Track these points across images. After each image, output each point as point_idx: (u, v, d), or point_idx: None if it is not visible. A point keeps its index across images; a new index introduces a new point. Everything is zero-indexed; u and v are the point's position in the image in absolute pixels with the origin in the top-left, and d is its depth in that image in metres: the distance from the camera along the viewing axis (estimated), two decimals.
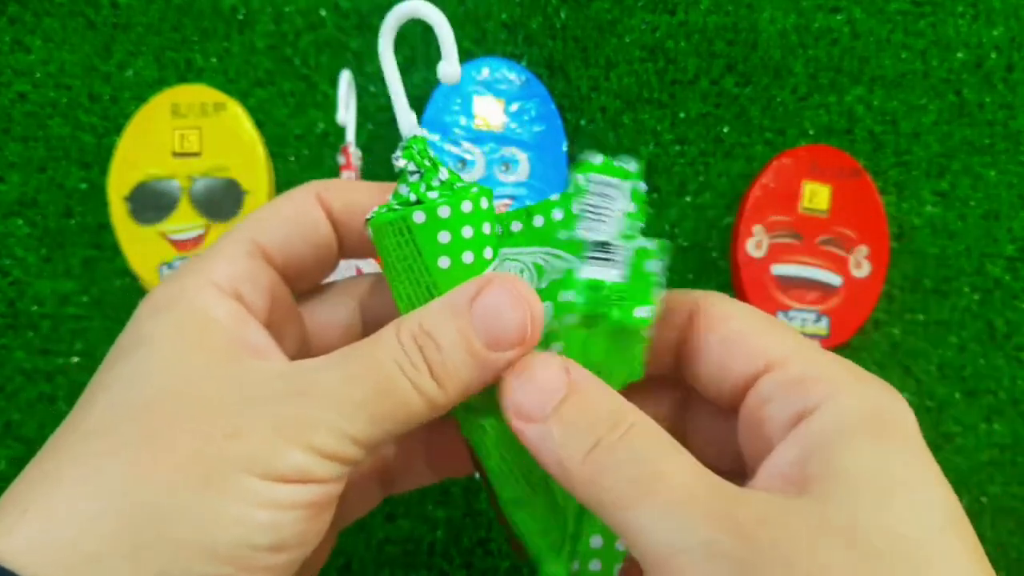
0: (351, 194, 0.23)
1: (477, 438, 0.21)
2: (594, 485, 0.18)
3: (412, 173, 0.21)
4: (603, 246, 0.21)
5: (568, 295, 0.20)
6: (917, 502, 0.17)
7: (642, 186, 0.22)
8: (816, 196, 0.43)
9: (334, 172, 0.44)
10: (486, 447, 0.21)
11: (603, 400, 0.19)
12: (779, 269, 0.42)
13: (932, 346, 0.43)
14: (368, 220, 0.21)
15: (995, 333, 0.43)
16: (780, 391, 0.19)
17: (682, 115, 0.45)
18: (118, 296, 0.44)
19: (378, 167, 0.45)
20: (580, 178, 0.21)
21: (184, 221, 0.42)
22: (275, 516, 0.18)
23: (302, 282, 0.24)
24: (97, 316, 0.44)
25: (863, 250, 0.43)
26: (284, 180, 0.45)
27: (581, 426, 0.19)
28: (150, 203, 0.43)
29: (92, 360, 0.43)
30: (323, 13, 0.46)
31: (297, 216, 0.23)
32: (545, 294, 0.20)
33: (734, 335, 0.20)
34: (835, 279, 0.42)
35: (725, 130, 0.45)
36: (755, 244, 0.43)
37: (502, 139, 0.43)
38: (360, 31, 0.46)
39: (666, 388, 0.24)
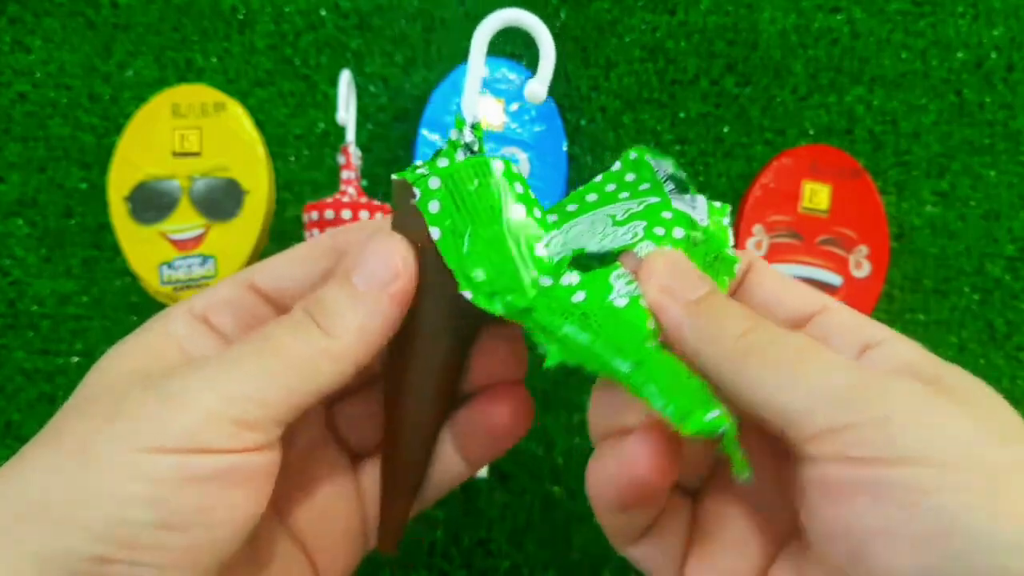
0: (360, 235, 0.23)
1: (573, 329, 0.20)
2: (745, 359, 0.19)
3: (467, 147, 0.22)
4: (685, 190, 0.22)
5: (669, 214, 0.21)
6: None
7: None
8: (816, 196, 0.43)
9: (334, 172, 0.44)
10: (588, 332, 0.20)
11: (737, 304, 0.20)
12: (779, 269, 0.42)
13: (932, 346, 0.43)
14: (417, 175, 0.21)
15: (995, 333, 0.43)
16: (839, 328, 0.20)
17: (682, 115, 0.45)
18: (118, 296, 0.44)
19: (378, 167, 0.45)
20: (633, 154, 0.23)
21: (184, 221, 0.42)
22: (155, 490, 0.17)
23: None
24: (97, 316, 0.44)
25: (863, 250, 0.43)
26: (284, 180, 0.45)
27: (730, 313, 0.20)
28: (150, 203, 0.43)
29: (92, 360, 0.43)
30: (323, 13, 0.46)
31: (299, 255, 0.23)
32: (638, 216, 0.22)
33: (791, 281, 0.22)
34: (835, 279, 0.42)
35: (725, 130, 0.45)
36: (755, 244, 0.43)
37: (502, 139, 0.43)
38: (360, 31, 0.46)
39: None
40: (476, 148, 0.22)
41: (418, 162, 0.22)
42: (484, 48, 0.23)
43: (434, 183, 0.21)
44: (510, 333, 0.23)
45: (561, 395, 0.43)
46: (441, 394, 0.23)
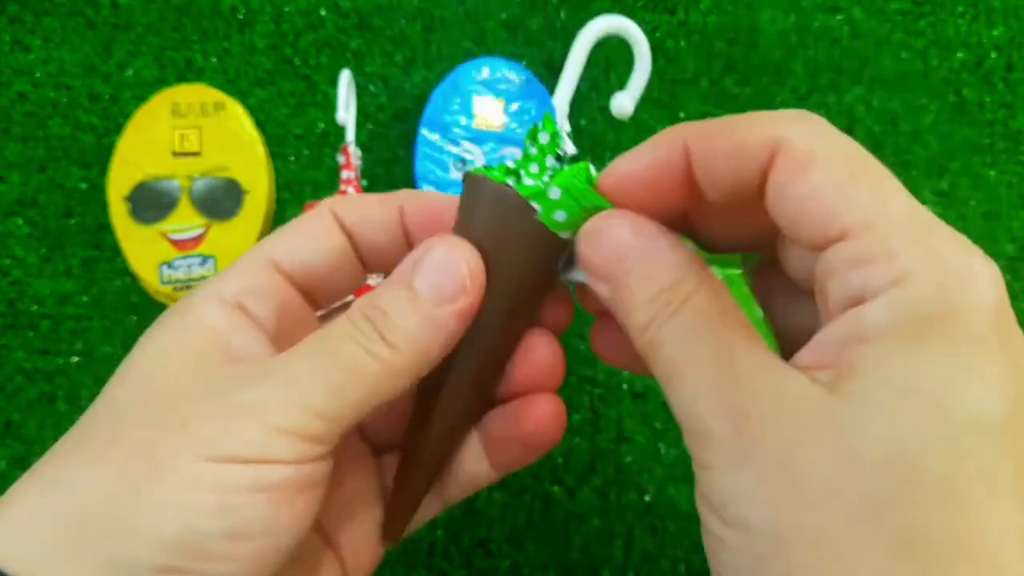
0: (362, 208, 0.23)
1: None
2: (647, 356, 0.19)
3: (558, 156, 0.23)
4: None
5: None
6: (937, 419, 0.15)
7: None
8: None
9: (334, 172, 0.44)
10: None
11: (665, 268, 0.19)
12: None
13: None
14: (532, 189, 0.21)
15: None
16: (843, 267, 0.17)
17: (682, 115, 0.45)
18: (118, 296, 0.44)
19: (378, 167, 0.45)
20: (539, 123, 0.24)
21: (184, 221, 0.42)
22: (226, 500, 0.17)
23: (326, 295, 0.24)
24: (97, 316, 0.44)
25: None
26: (284, 180, 0.45)
27: (641, 299, 0.19)
28: (150, 203, 0.43)
29: (92, 360, 0.43)
30: (323, 13, 0.46)
31: (311, 231, 0.23)
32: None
33: (811, 191, 0.17)
34: None
35: None
36: None
37: (502, 139, 0.43)
38: (360, 31, 0.46)
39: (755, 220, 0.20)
40: (566, 154, 0.23)
41: (507, 162, 0.22)
42: (585, 55, 0.23)
43: (554, 193, 0.21)
44: (552, 341, 0.24)
45: (561, 395, 0.43)
46: (477, 396, 0.23)
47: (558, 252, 0.22)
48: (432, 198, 0.23)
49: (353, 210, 0.23)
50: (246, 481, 0.18)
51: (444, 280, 0.20)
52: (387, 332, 0.20)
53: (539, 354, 0.23)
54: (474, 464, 0.25)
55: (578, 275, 0.22)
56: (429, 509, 0.26)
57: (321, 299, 0.24)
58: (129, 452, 0.18)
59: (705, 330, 0.18)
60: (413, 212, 0.23)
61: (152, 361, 0.20)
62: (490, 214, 0.21)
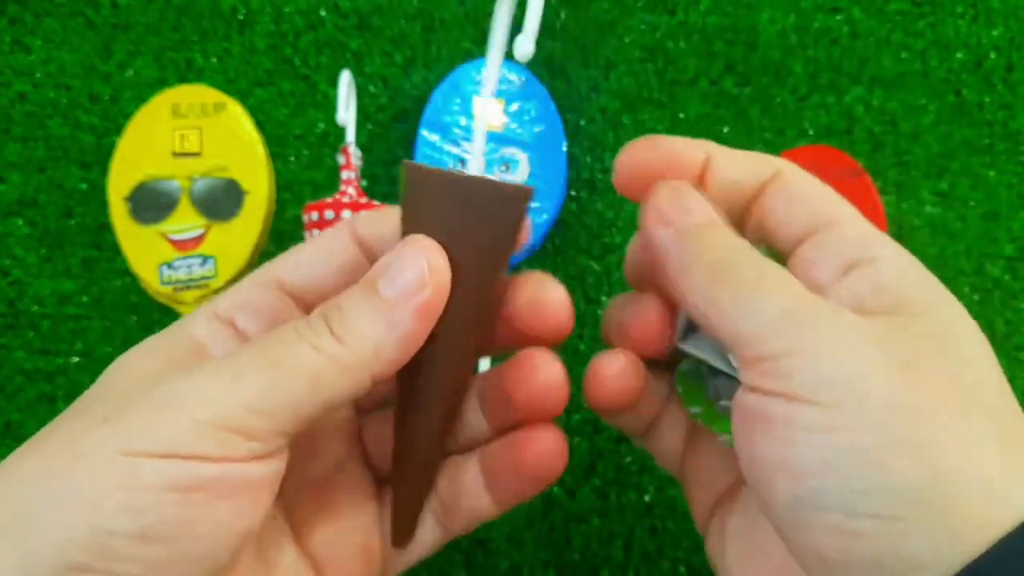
0: (382, 224, 0.22)
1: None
2: (712, 289, 0.19)
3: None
4: None
5: None
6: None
7: None
8: None
9: (334, 172, 0.44)
10: None
11: (723, 232, 0.21)
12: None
13: None
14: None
15: (995, 333, 0.43)
16: (837, 245, 0.20)
17: (682, 115, 0.45)
18: (118, 296, 0.44)
19: (378, 167, 0.45)
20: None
21: (184, 221, 0.42)
22: (138, 498, 0.16)
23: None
24: (97, 316, 0.44)
25: None
26: (284, 180, 0.45)
27: (710, 244, 0.20)
28: (150, 203, 0.43)
29: (92, 360, 0.43)
30: (323, 13, 0.46)
31: (324, 247, 0.22)
32: None
33: (805, 193, 0.22)
34: None
35: (725, 130, 0.45)
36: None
37: (502, 139, 0.43)
38: (360, 31, 0.46)
39: None
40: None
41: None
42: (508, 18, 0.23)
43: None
44: (553, 360, 0.23)
45: None
46: (448, 411, 0.23)
47: (519, 214, 0.21)
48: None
49: (371, 225, 0.22)
50: (159, 478, 0.16)
51: (402, 276, 0.19)
52: (336, 327, 0.19)
53: (540, 375, 0.22)
54: (475, 499, 0.24)
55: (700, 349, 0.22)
56: (435, 538, 0.25)
57: None
58: (55, 445, 0.17)
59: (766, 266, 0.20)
60: None
61: (124, 365, 0.20)
62: (441, 201, 0.20)
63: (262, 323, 0.21)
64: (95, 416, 0.18)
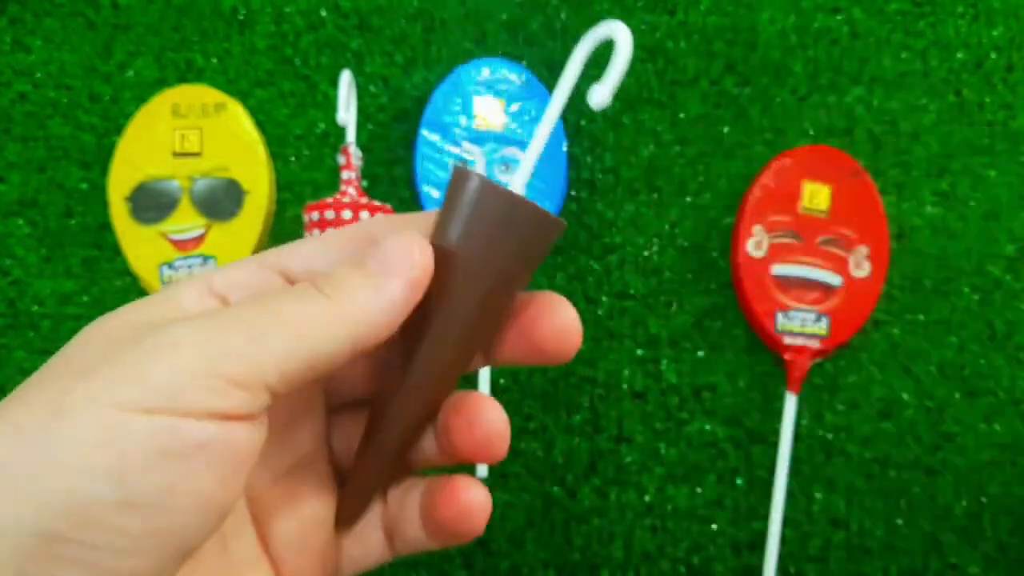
0: (399, 227, 0.22)
1: None
2: None
3: None
4: None
5: None
6: None
7: None
8: (816, 196, 0.43)
9: (334, 172, 0.44)
10: None
11: None
12: (779, 269, 0.42)
13: (932, 346, 0.43)
14: None
15: (995, 333, 0.43)
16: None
17: (682, 115, 0.45)
18: (118, 296, 0.44)
19: (378, 167, 0.45)
20: None
21: (184, 221, 0.42)
22: (122, 462, 0.15)
23: None
24: (97, 316, 0.44)
25: (863, 250, 0.43)
26: (284, 180, 0.45)
27: None
28: (150, 203, 0.43)
29: None
30: (323, 13, 0.46)
31: (334, 242, 0.22)
32: None
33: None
34: (835, 279, 0.42)
35: (725, 130, 0.45)
36: (755, 244, 0.43)
37: (502, 139, 0.43)
38: (360, 31, 0.46)
39: None
40: None
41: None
42: (577, 70, 0.23)
43: None
44: (499, 409, 0.22)
45: (561, 395, 0.43)
46: (428, 405, 0.23)
47: (549, 243, 0.21)
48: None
49: (390, 229, 0.22)
50: (148, 439, 0.15)
51: (394, 254, 0.20)
52: (327, 288, 0.19)
53: (484, 422, 0.22)
54: (414, 530, 0.24)
55: None
56: (381, 553, 0.25)
57: None
58: (34, 403, 0.16)
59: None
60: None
61: (102, 322, 0.19)
62: (481, 210, 0.21)
63: None
64: (76, 371, 0.16)
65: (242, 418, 0.17)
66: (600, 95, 0.23)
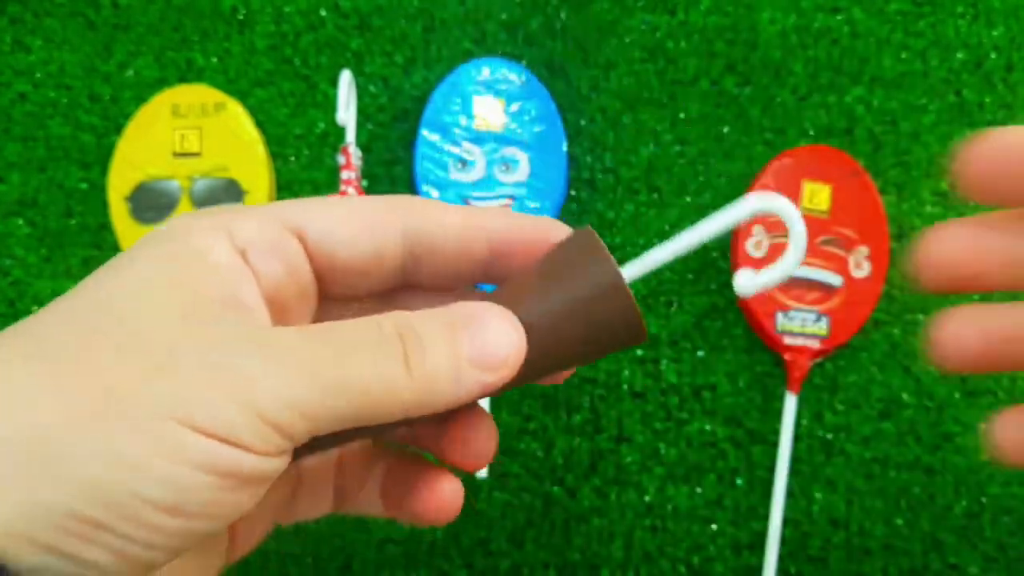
0: (437, 215, 0.21)
1: None
2: None
3: None
4: None
5: None
6: None
7: None
8: (816, 196, 0.43)
9: (334, 172, 0.44)
10: None
11: None
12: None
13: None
14: None
15: None
16: None
17: (682, 115, 0.45)
18: None
19: (378, 167, 0.45)
20: None
21: None
22: (180, 473, 0.16)
23: (343, 286, 0.22)
24: None
25: (863, 250, 0.43)
26: (284, 180, 0.45)
27: None
28: (150, 203, 0.43)
29: None
30: (323, 13, 0.46)
31: (368, 227, 0.21)
32: None
33: None
34: (835, 279, 0.42)
35: (725, 130, 0.45)
36: (755, 244, 0.43)
37: (502, 139, 0.43)
38: (360, 31, 0.46)
39: None
40: None
41: None
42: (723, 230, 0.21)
43: None
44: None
45: (561, 395, 0.43)
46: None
47: (624, 342, 0.20)
48: (525, 232, 0.21)
49: (423, 221, 0.21)
50: (207, 459, 0.16)
51: (487, 350, 0.19)
52: (413, 358, 0.18)
53: (480, 440, 0.22)
54: (370, 500, 0.24)
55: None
56: (325, 509, 0.25)
57: (334, 287, 0.22)
58: (87, 381, 0.16)
59: None
60: (502, 242, 0.21)
61: (138, 282, 0.18)
62: (593, 299, 0.19)
63: (278, 272, 0.20)
64: (139, 362, 0.16)
65: (281, 455, 0.17)
66: (748, 285, 0.21)
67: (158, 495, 0.16)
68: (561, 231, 0.21)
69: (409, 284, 0.22)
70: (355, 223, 0.20)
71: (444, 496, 0.23)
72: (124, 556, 0.16)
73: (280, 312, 0.20)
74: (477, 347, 0.19)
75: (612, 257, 0.20)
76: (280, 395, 0.16)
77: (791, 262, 0.20)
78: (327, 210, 0.20)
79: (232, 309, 0.18)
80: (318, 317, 0.22)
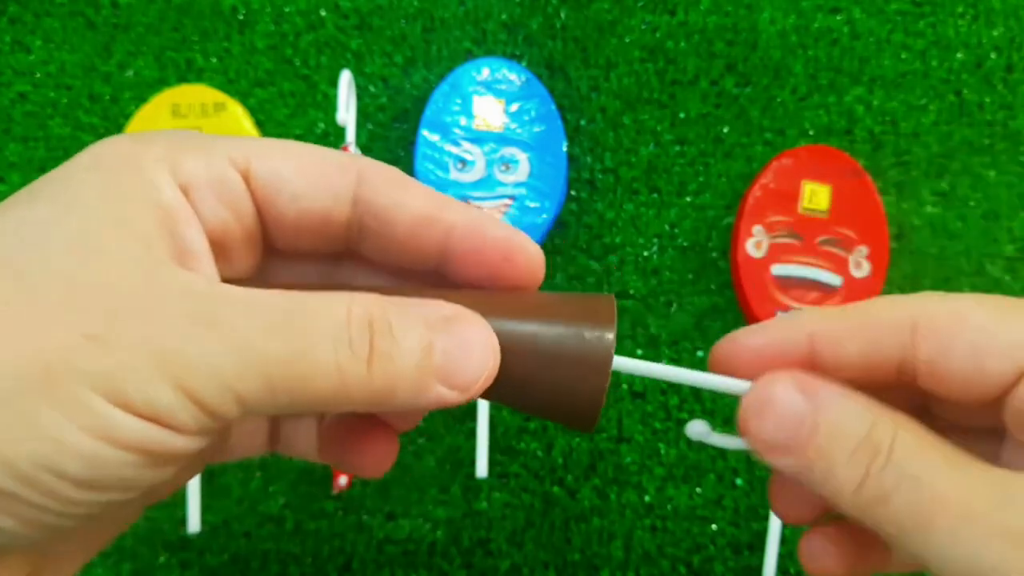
0: (397, 194, 0.20)
1: None
2: (873, 514, 0.18)
3: None
4: None
5: None
6: None
7: None
8: (816, 196, 0.43)
9: None
10: None
11: (855, 420, 0.18)
12: (779, 269, 0.42)
13: None
14: None
15: None
16: None
17: (682, 115, 0.45)
18: None
19: None
20: None
21: None
22: (102, 450, 0.15)
23: (292, 237, 0.20)
24: None
25: (863, 250, 0.43)
26: None
27: (841, 458, 0.18)
28: None
29: None
30: (323, 13, 0.46)
31: (322, 178, 0.19)
32: None
33: (980, 335, 0.18)
34: (835, 279, 0.42)
35: (725, 130, 0.45)
36: (755, 244, 0.43)
37: (502, 139, 0.43)
38: (360, 31, 0.46)
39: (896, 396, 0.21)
40: None
41: None
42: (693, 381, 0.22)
43: None
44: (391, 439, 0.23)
45: None
46: None
47: (592, 406, 0.19)
48: (487, 241, 0.20)
49: (380, 190, 0.19)
50: (132, 437, 0.15)
51: (460, 368, 0.17)
52: (376, 356, 0.17)
53: (374, 447, 0.23)
54: (306, 447, 0.24)
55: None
56: (260, 447, 0.24)
57: (277, 241, 0.20)
58: (24, 344, 0.15)
59: (936, 462, 0.17)
60: (461, 241, 0.20)
61: (78, 220, 0.16)
62: (578, 339, 0.19)
63: (221, 214, 0.18)
64: (77, 325, 0.15)
65: (210, 435, 0.17)
66: (696, 433, 0.22)
67: (76, 470, 0.15)
68: (527, 253, 0.20)
69: (356, 253, 0.21)
70: (307, 175, 0.19)
71: (379, 451, 0.23)
72: (34, 524, 0.15)
73: (224, 258, 0.19)
74: (451, 362, 0.17)
75: (615, 339, 0.19)
76: (219, 379, 0.15)
77: (740, 445, 0.21)
78: (279, 154, 0.19)
79: (176, 259, 0.17)
80: (262, 269, 0.21)
